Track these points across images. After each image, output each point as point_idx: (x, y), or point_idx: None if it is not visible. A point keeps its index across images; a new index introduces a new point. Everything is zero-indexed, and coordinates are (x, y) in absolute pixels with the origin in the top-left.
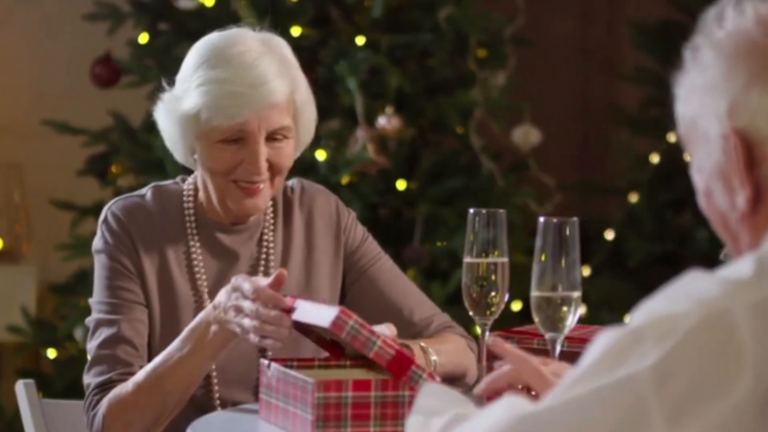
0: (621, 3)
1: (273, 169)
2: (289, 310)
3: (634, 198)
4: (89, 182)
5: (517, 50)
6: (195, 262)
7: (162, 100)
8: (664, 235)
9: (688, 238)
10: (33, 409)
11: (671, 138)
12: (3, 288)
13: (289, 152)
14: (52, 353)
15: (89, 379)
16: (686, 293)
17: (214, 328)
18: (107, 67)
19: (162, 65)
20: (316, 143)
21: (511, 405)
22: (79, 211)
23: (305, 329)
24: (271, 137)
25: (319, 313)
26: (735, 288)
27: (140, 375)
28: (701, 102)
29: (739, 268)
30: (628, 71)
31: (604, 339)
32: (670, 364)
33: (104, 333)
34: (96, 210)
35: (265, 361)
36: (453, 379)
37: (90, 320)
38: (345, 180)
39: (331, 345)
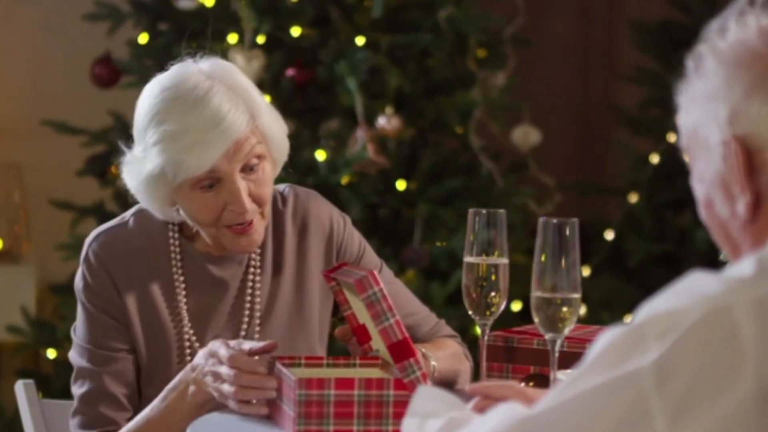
0: (621, 3)
1: (257, 202)
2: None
3: (634, 198)
4: (89, 182)
5: (517, 50)
6: (179, 297)
7: (124, 162)
8: (663, 235)
9: (687, 238)
10: (32, 409)
11: (671, 138)
12: (3, 288)
13: (267, 178)
14: (51, 353)
15: (73, 429)
16: (688, 291)
17: (192, 389)
18: (107, 67)
19: (162, 65)
20: (316, 143)
21: (510, 409)
22: (79, 211)
23: (341, 302)
24: (246, 168)
25: (354, 272)
26: (737, 286)
27: None
28: (702, 110)
29: (740, 268)
30: (628, 71)
31: (606, 337)
32: (672, 360)
33: (87, 384)
34: (96, 210)
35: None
36: (445, 383)
37: (72, 358)
38: (345, 180)
39: (357, 328)
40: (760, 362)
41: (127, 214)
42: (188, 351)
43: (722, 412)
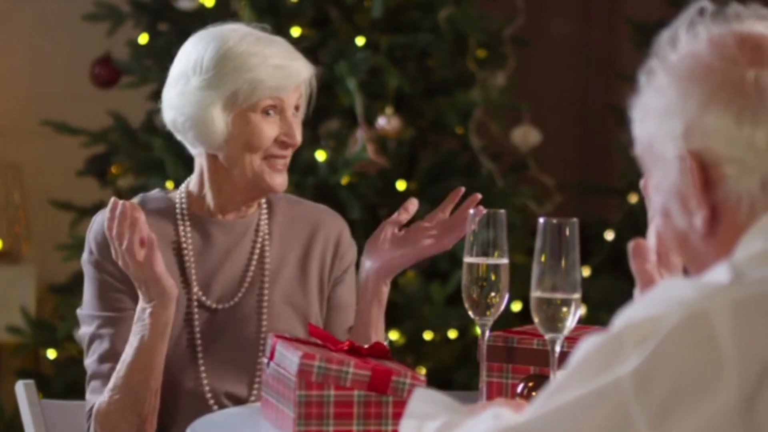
0: (621, 3)
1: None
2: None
3: (633, 198)
4: (89, 182)
5: (517, 50)
6: (186, 259)
7: (176, 95)
8: None
9: None
10: (32, 410)
11: None
12: (2, 288)
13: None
14: (51, 354)
15: (88, 397)
16: (664, 298)
17: (148, 310)
18: (107, 68)
19: (162, 65)
20: (316, 143)
21: (495, 417)
22: (79, 211)
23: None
24: (295, 109)
25: (289, 359)
26: (712, 291)
27: (110, 382)
28: (657, 124)
29: (714, 274)
30: (628, 71)
31: (585, 346)
32: (651, 367)
33: (98, 350)
34: (95, 210)
35: (265, 359)
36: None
37: (83, 334)
38: (344, 180)
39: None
40: (740, 365)
41: (132, 200)
42: (196, 308)
43: (704, 416)
